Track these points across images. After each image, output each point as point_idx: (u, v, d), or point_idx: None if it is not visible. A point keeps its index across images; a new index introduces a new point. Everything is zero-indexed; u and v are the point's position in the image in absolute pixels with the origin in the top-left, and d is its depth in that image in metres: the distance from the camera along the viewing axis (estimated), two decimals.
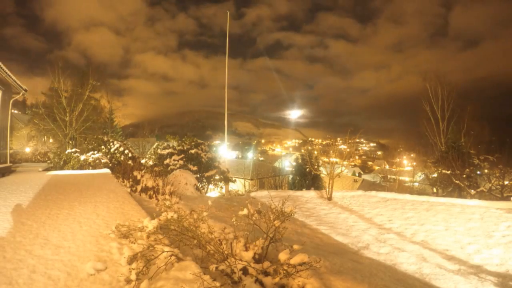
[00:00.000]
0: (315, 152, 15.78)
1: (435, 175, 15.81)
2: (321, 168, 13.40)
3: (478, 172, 13.37)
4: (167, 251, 2.92)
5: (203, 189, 12.93)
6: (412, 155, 29.21)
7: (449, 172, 12.96)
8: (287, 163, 40.17)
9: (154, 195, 7.07)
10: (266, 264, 3.05)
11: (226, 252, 3.06)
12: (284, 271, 2.90)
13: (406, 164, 36.07)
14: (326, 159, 12.88)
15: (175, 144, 15.36)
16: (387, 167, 47.02)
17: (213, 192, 14.53)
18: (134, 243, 3.15)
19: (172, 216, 3.34)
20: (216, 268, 2.89)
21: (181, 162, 12.98)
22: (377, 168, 70.62)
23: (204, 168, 13.21)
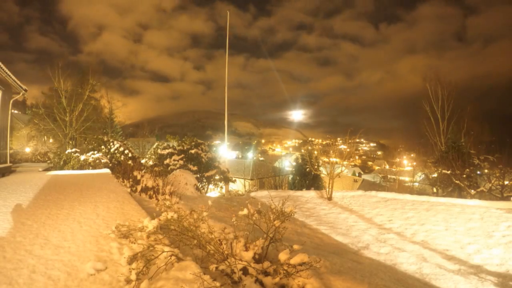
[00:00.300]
0: (315, 152, 15.78)
1: (435, 175, 15.81)
2: (321, 168, 13.41)
3: (478, 172, 13.38)
4: (167, 251, 2.92)
5: (203, 189, 12.93)
6: (412, 155, 29.21)
7: (449, 172, 12.96)
8: (287, 163, 40.17)
9: (154, 195, 7.07)
10: (266, 264, 3.05)
11: (226, 252, 3.06)
12: (284, 271, 2.90)
13: (406, 164, 36.07)
14: (326, 159, 12.88)
15: (175, 144, 15.38)
16: (387, 167, 47.04)
17: (213, 192, 14.53)
18: (134, 243, 3.15)
19: (172, 216, 3.34)
20: (216, 268, 2.89)
21: (181, 162, 12.98)
22: (377, 168, 70.64)
23: (204, 168, 13.21)
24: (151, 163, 15.05)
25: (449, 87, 20.67)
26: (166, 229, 3.46)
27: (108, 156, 13.43)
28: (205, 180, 13.23)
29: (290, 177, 19.04)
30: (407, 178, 26.98)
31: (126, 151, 13.88)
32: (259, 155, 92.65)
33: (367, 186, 27.76)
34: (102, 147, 14.07)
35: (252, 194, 10.40)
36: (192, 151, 13.19)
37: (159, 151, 14.85)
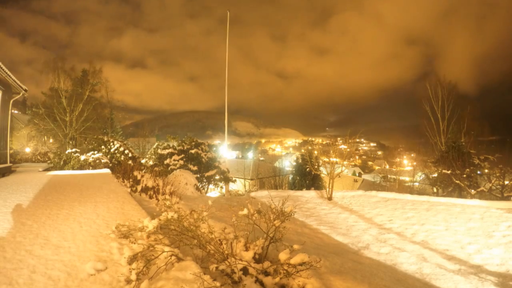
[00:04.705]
0: (315, 152, 15.79)
1: (435, 175, 15.82)
2: (321, 168, 13.42)
3: (479, 172, 13.38)
4: (167, 251, 2.92)
5: (203, 189, 12.94)
6: (412, 155, 29.23)
7: (449, 172, 12.97)
8: (287, 163, 40.18)
9: (154, 195, 7.07)
10: (266, 264, 3.05)
11: (226, 252, 3.06)
12: (284, 271, 2.90)
13: (406, 164, 36.08)
14: (326, 159, 12.90)
15: (175, 144, 15.36)
16: (387, 167, 47.00)
17: (213, 192, 14.54)
18: (134, 243, 3.14)
19: (172, 216, 3.34)
20: (216, 268, 2.89)
21: (181, 162, 12.99)
22: (377, 168, 70.50)
23: (204, 168, 13.22)
24: (151, 163, 15.05)
25: (449, 86, 20.72)
26: (166, 229, 3.46)
27: (108, 156, 13.43)
28: (205, 180, 13.24)
29: (290, 177, 19.05)
30: (407, 178, 26.99)
31: (126, 151, 13.88)
32: (259, 155, 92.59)
33: (367, 186, 27.75)
34: (102, 147, 14.06)
35: (252, 194, 10.40)
36: (192, 151, 13.20)
37: (159, 151, 14.84)
